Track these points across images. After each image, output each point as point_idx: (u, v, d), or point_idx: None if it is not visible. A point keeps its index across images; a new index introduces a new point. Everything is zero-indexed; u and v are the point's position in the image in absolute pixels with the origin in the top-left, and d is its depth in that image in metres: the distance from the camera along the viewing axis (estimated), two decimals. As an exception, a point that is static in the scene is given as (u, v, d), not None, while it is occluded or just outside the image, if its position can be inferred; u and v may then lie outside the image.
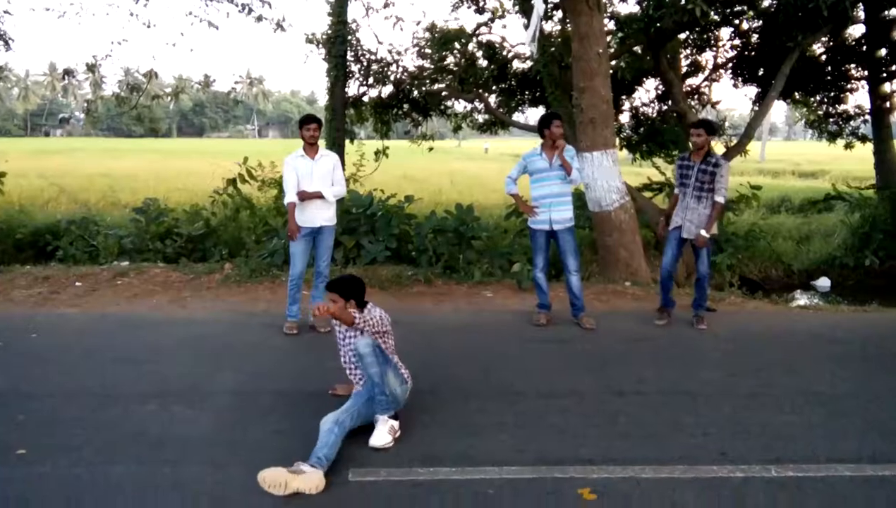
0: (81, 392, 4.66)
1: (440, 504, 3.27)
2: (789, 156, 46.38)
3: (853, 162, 27.15)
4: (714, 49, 12.93)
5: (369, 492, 3.38)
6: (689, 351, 5.81)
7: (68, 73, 12.97)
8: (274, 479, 3.33)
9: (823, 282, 11.56)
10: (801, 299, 10.74)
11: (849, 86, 13.20)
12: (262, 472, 3.37)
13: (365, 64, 12.27)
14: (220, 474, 3.55)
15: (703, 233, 6.02)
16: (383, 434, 3.89)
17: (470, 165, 34.20)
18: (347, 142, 12.07)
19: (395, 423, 3.99)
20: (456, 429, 4.13)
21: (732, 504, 3.30)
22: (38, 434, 4.02)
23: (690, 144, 6.17)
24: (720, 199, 6.00)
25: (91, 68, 11.99)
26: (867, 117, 13.55)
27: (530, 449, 3.87)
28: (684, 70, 12.98)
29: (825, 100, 13.53)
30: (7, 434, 4.00)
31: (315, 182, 5.94)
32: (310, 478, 3.35)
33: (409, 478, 3.52)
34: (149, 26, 11.57)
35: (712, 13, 10.20)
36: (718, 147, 11.56)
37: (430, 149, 14.78)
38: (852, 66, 12.97)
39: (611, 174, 8.33)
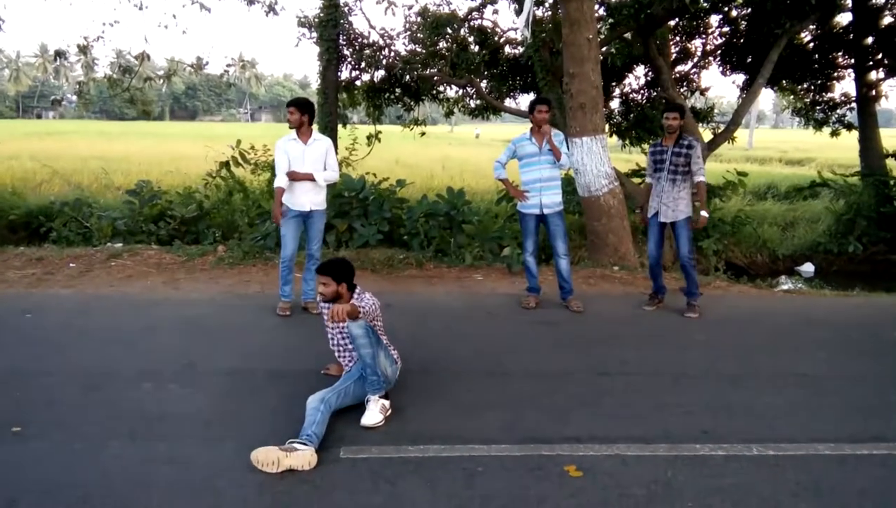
0: (77, 370, 4.73)
1: (430, 481, 3.36)
2: (776, 143, 46.60)
3: (839, 149, 27.36)
4: (703, 36, 13.00)
5: (361, 469, 3.48)
6: (674, 333, 5.92)
7: (60, 54, 12.87)
8: (267, 457, 3.42)
9: (808, 268, 11.73)
10: (786, 284, 10.90)
11: (835, 74, 13.31)
12: (255, 451, 3.46)
13: (357, 48, 12.27)
14: (214, 451, 3.63)
15: (703, 214, 6.30)
16: (374, 413, 3.98)
17: (461, 151, 34.18)
18: (340, 126, 12.10)
19: (386, 403, 4.08)
20: (446, 409, 4.23)
21: (714, 481, 3.40)
22: (35, 411, 4.09)
23: (664, 128, 6.23)
24: (702, 178, 6.14)
25: (83, 50, 11.93)
26: (853, 105, 13.67)
27: (518, 428, 3.97)
28: (674, 57, 13.05)
29: (812, 87, 13.64)
30: (3, 411, 4.06)
31: (307, 166, 5.91)
32: (302, 455, 3.44)
33: (400, 455, 3.61)
34: (140, 8, 11.53)
35: (702, 0, 10.27)
36: (706, 133, 11.67)
37: (423, 134, 14.81)
38: (839, 53, 13.07)
39: (600, 159, 8.41)
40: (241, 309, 6.41)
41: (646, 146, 13.16)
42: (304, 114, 5.91)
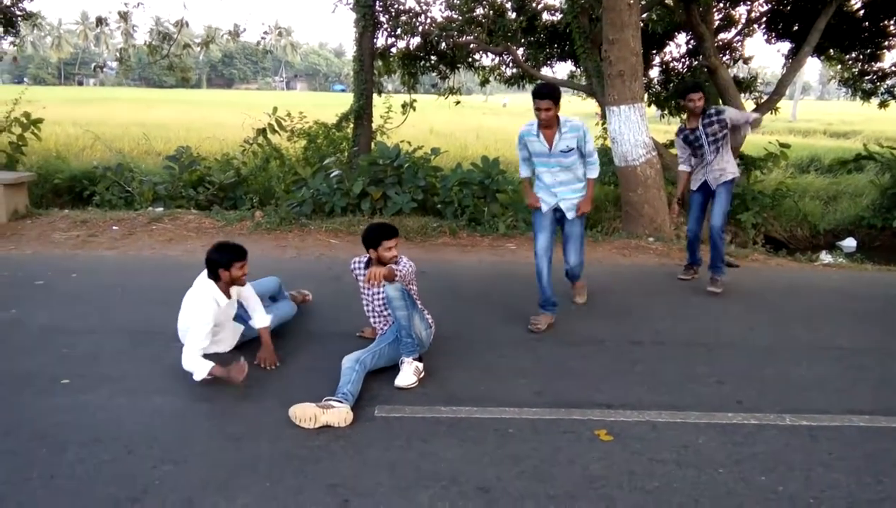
0: (121, 328, 4.89)
1: (462, 440, 3.43)
2: (821, 115, 45.26)
3: (887, 122, 26.51)
4: (748, 3, 12.60)
5: (394, 427, 3.56)
6: (709, 305, 5.87)
7: (100, 21, 13.05)
8: (304, 413, 3.52)
9: (849, 243, 11.47)
10: (826, 258, 10.69)
11: (886, 42, 12.80)
12: (293, 407, 3.56)
13: (393, 14, 12.19)
14: (254, 408, 3.74)
15: (756, 114, 6.49)
16: (408, 374, 4.05)
17: (496, 120, 33.91)
18: (375, 94, 12.09)
19: (420, 365, 4.15)
20: (478, 373, 4.28)
21: (745, 449, 3.41)
22: (81, 366, 4.25)
23: (689, 110, 5.98)
24: (755, 115, 6.31)
25: (123, 17, 12.07)
26: (903, 75, 13.18)
27: (549, 392, 4.01)
28: (717, 24, 12.68)
29: (861, 57, 13.15)
30: (52, 366, 4.24)
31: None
32: (338, 412, 3.53)
33: (433, 415, 3.69)
34: (179, -26, 11.56)
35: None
36: (749, 104, 11.40)
37: (457, 103, 14.72)
38: (890, 21, 12.56)
39: (638, 129, 8.30)
40: (278, 273, 6.49)
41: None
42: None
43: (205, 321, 4.05)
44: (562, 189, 5.08)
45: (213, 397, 3.87)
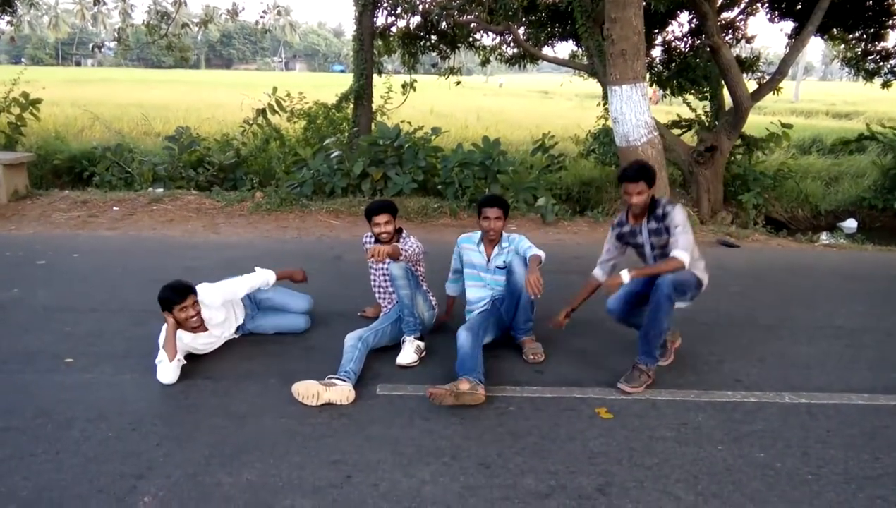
0: (123, 307, 4.91)
1: (463, 418, 3.45)
2: (824, 96, 45.00)
3: (890, 102, 26.38)
4: (752, -19, 12.50)
5: (396, 404, 3.58)
6: (711, 284, 5.83)
7: (98, 0, 12.94)
8: (307, 390, 3.55)
9: (850, 224, 11.45)
10: (827, 239, 10.69)
11: (890, 22, 12.69)
12: (296, 384, 3.58)
13: (393, -8, 12.08)
14: (257, 386, 3.77)
15: (625, 273, 3.82)
16: (410, 353, 4.08)
17: (496, 101, 33.75)
18: (375, 75, 12.02)
19: (421, 344, 4.17)
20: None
21: (744, 427, 3.44)
22: (85, 344, 4.28)
23: (629, 204, 4.04)
24: (682, 256, 3.79)
25: (120, -6, 11.96)
26: (907, 55, 13.09)
27: (550, 372, 4.04)
28: (719, 2, 12.58)
29: (864, 36, 13.04)
30: (55, 344, 4.27)
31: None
32: (341, 390, 3.56)
33: (434, 393, 3.71)
34: (177, -48, 11.47)
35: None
36: (751, 84, 11.32)
37: (458, 83, 14.65)
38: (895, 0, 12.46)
39: (640, 108, 8.26)
40: (280, 254, 6.53)
41: (689, 96, 12.81)
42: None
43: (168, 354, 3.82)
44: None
45: (215, 375, 3.90)
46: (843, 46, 13.45)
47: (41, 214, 7.77)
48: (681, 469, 3.04)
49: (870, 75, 13.21)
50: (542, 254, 4.13)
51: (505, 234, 4.40)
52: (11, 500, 2.72)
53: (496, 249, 4.37)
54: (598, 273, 4.32)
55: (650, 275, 3.77)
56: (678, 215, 3.90)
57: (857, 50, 13.20)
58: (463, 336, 3.91)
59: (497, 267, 4.35)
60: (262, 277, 4.45)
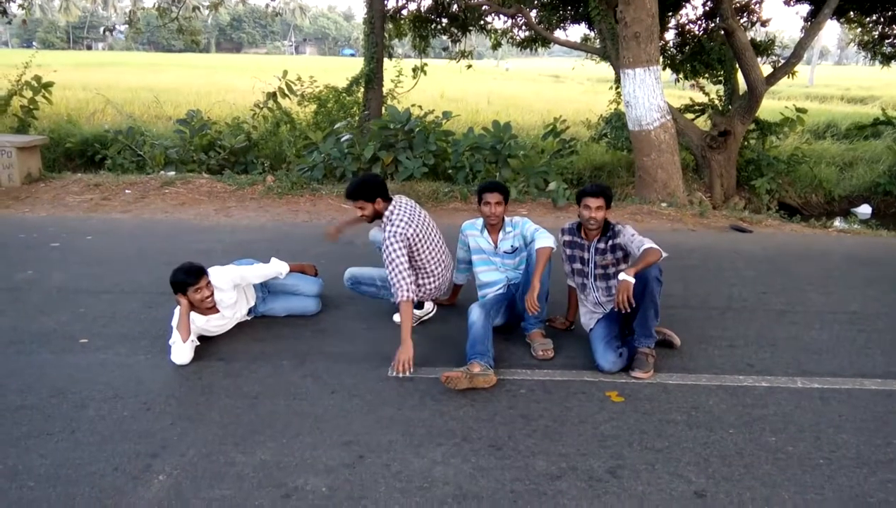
0: (136, 289, 4.95)
1: (473, 400, 3.46)
2: (839, 80, 44.35)
3: (906, 87, 25.98)
4: (768, -37, 12.33)
5: (407, 387, 3.60)
6: (722, 270, 5.86)
7: (109, -18, 12.90)
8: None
9: (864, 209, 11.35)
10: (841, 225, 10.61)
11: (908, 4, 12.54)
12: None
13: (405, -25, 12.02)
14: (269, 367, 3.79)
15: (624, 276, 3.70)
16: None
17: (507, 85, 33.56)
18: (385, 58, 11.97)
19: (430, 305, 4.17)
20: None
21: (756, 411, 3.43)
22: (99, 326, 4.32)
23: (582, 221, 4.08)
24: (651, 245, 3.85)
25: (132, -23, 11.93)
26: (926, 39, 12.91)
27: (560, 355, 4.03)
28: (735, -15, 12.44)
29: (881, 19, 12.86)
30: (70, 325, 4.31)
31: None
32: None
33: (445, 376, 3.72)
34: (188, -65, 11.42)
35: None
36: (766, 67, 11.20)
37: (469, 66, 14.57)
38: (914, -18, 12.27)
39: (653, 92, 8.19)
40: (291, 237, 6.55)
41: (702, 80, 12.68)
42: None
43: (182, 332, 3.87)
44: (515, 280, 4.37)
45: (228, 356, 3.92)
46: (859, 30, 13.29)
47: (54, 197, 7.82)
48: (692, 452, 3.05)
49: (886, 59, 13.05)
50: (550, 240, 4.10)
51: (507, 218, 4.38)
52: (30, 477, 2.77)
53: (501, 234, 4.35)
54: (572, 282, 4.34)
55: (639, 269, 3.72)
56: (628, 227, 4.08)
57: (873, 33, 13.04)
58: (475, 313, 3.93)
59: (505, 251, 4.34)
60: (276, 268, 4.47)
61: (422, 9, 12.75)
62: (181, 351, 3.80)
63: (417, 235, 4.16)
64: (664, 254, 3.85)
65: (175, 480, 2.76)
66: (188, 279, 3.89)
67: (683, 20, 13.23)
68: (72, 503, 2.62)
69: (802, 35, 10.73)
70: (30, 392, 3.45)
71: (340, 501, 2.66)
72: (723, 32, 10.57)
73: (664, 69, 12.67)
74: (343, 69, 16.41)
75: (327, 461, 2.91)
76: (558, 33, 13.50)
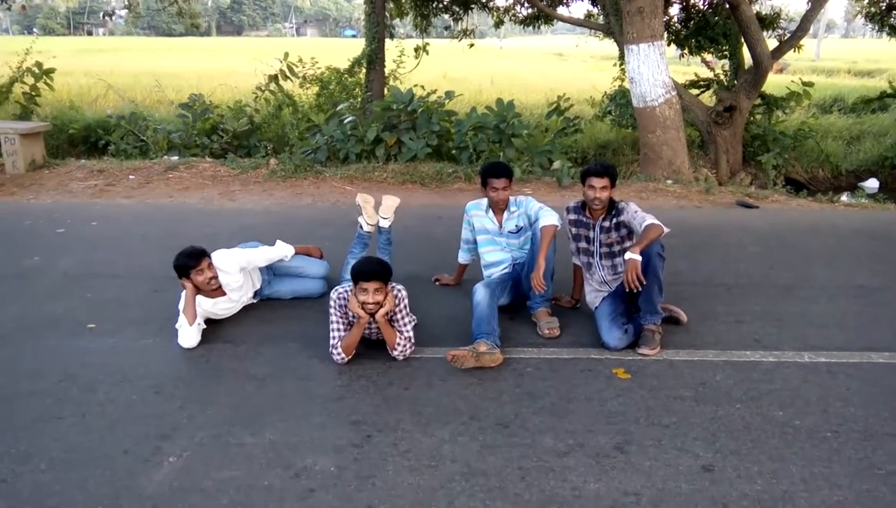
0: (143, 274, 4.96)
1: (480, 379, 3.48)
2: (846, 54, 43.88)
3: (915, 59, 25.67)
4: (774, -66, 12.15)
5: (414, 367, 3.61)
6: (729, 245, 5.84)
7: (107, -34, 12.81)
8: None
9: (871, 183, 11.28)
10: (847, 199, 10.54)
11: (918, -25, 12.36)
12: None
13: (405, -47, 11.90)
14: (276, 350, 3.80)
15: (631, 255, 3.68)
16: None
17: (510, 64, 33.31)
18: (387, 39, 11.88)
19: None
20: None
21: (763, 385, 3.43)
22: (106, 310, 4.34)
23: (587, 200, 4.06)
24: (653, 221, 3.85)
25: (130, -39, 11.86)
26: (935, 9, 12.72)
27: (567, 334, 4.03)
28: (740, -42, 12.25)
29: (890, -11, 12.70)
30: (77, 310, 4.33)
31: None
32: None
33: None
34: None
35: None
36: (771, 41, 11.07)
37: (471, 45, 14.46)
38: (924, -49, 12.09)
39: (657, 67, 8.12)
40: (296, 220, 6.55)
41: (707, 56, 12.55)
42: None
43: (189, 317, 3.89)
44: (521, 260, 4.35)
45: (235, 339, 3.94)
46: (866, 1, 13.10)
47: (59, 183, 7.83)
48: (699, 427, 3.05)
49: (894, 31, 12.88)
50: (554, 218, 4.09)
51: (512, 198, 4.35)
52: (42, 460, 2.79)
53: (505, 214, 4.36)
54: (577, 261, 4.35)
55: (644, 247, 3.71)
56: (632, 204, 4.07)
57: (881, 5, 12.86)
58: (480, 292, 3.92)
59: (510, 231, 4.34)
60: (282, 251, 4.47)
61: (423, -13, 12.65)
62: (188, 335, 3.81)
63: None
64: (666, 229, 3.82)
65: (185, 462, 2.78)
66: (189, 262, 3.92)
67: (688, -6, 13.07)
68: (84, 485, 2.64)
69: (808, 8, 10.60)
70: (40, 377, 3.47)
71: (349, 480, 2.68)
72: (728, 6, 10.46)
73: (669, 45, 12.55)
74: (345, 50, 16.30)
75: (335, 440, 2.93)
76: (561, 10, 13.38)
